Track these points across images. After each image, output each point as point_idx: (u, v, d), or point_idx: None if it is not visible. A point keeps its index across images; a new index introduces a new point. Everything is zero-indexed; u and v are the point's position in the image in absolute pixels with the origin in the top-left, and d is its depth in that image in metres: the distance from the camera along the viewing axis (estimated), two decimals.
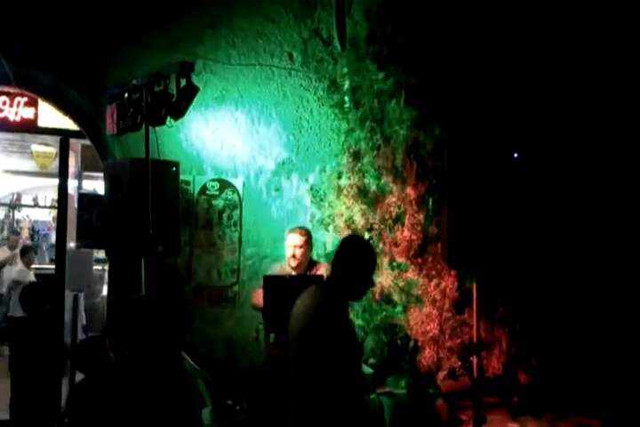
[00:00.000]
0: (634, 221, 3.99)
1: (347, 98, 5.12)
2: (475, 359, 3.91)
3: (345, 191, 4.76)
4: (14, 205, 10.48)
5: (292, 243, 4.44)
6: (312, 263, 4.55)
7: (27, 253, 7.78)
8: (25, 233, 9.95)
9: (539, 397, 5.29)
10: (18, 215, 10.59)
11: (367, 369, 5.33)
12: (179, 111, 3.82)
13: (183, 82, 3.78)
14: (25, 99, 5.61)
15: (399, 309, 4.98)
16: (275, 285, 3.94)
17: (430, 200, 4.61)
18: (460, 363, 4.35)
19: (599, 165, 3.87)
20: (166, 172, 4.31)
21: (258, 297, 4.24)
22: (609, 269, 4.06)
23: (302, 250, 4.44)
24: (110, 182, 4.42)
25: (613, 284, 4.11)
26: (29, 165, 8.45)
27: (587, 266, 4.01)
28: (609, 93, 3.95)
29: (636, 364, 4.81)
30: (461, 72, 4.33)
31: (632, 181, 3.95)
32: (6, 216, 10.48)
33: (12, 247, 8.47)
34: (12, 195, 10.51)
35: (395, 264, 4.81)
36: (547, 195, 3.81)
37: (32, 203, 10.61)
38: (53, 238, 8.79)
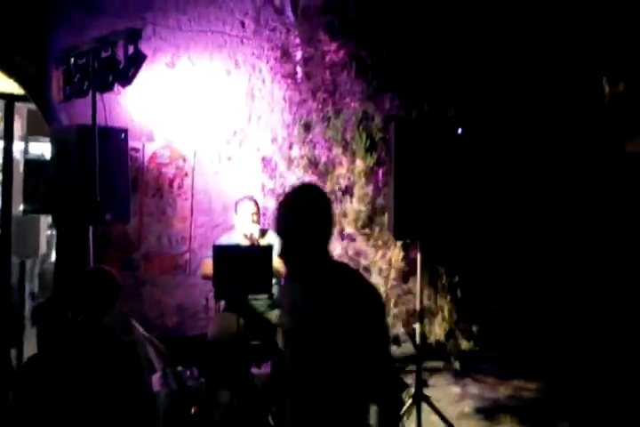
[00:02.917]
0: (568, 193, 4.20)
1: (299, 68, 5.13)
2: (418, 326, 4.05)
3: (296, 162, 4.81)
4: None
5: (248, 211, 4.46)
6: (262, 232, 4.61)
7: None
8: None
9: (479, 362, 5.54)
10: None
11: None
12: (126, 78, 3.77)
13: (131, 49, 3.73)
14: None
15: None
16: (225, 254, 3.98)
17: (380, 172, 4.70)
18: (403, 330, 4.52)
19: (536, 141, 4.02)
20: (114, 139, 4.27)
21: (207, 266, 4.28)
22: (544, 239, 4.26)
23: (257, 217, 4.50)
24: (57, 148, 4.36)
25: (548, 252, 4.33)
26: None
27: (523, 237, 4.19)
28: (548, 76, 4.09)
29: (572, 329, 5.08)
30: (412, 46, 4.39)
31: (568, 157, 4.13)
32: None
33: None
34: None
35: (345, 234, 4.91)
36: (487, 170, 3.95)
37: None
38: None
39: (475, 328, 4.65)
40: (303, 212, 2.04)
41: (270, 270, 3.92)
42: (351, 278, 2.06)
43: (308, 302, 2.05)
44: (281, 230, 2.11)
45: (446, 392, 5.16)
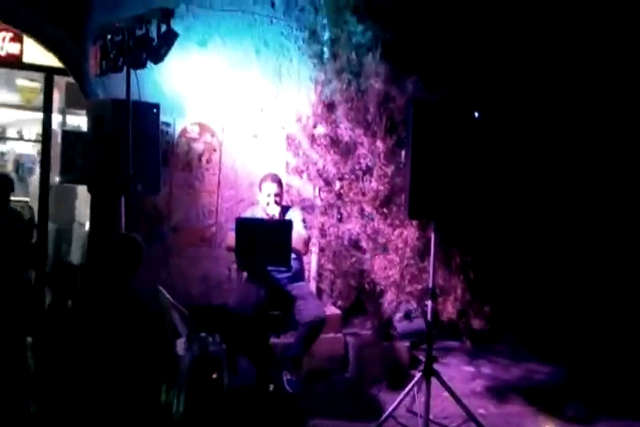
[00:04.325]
0: (584, 176, 4.23)
1: (326, 49, 5.22)
2: (430, 303, 4.17)
3: (318, 141, 4.93)
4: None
5: (270, 191, 4.57)
6: (285, 209, 4.75)
7: None
8: (9, 166, 10.01)
9: (494, 343, 5.66)
10: (2, 148, 10.60)
11: (334, 310, 5.66)
12: (158, 56, 3.94)
13: (163, 27, 3.88)
14: (10, 34, 5.60)
15: (368, 255, 5.22)
16: (246, 226, 4.14)
17: (402, 153, 4.79)
18: (415, 306, 4.64)
19: (554, 128, 4.07)
20: (147, 113, 4.43)
21: (230, 239, 4.46)
22: (559, 219, 4.31)
23: (279, 198, 4.63)
24: (93, 121, 4.55)
25: (562, 234, 4.38)
26: (15, 98, 8.42)
27: (536, 218, 4.25)
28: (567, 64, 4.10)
29: (587, 311, 5.15)
30: (436, 29, 4.44)
31: (586, 140, 4.17)
32: None
33: None
34: None
35: (364, 213, 5.03)
36: (504, 154, 4.01)
37: (17, 136, 10.59)
38: (38, 172, 8.84)
39: (487, 309, 4.76)
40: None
41: (289, 244, 4.06)
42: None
43: None
44: None
45: (459, 371, 5.32)
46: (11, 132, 10.54)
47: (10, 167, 10.16)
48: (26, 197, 8.33)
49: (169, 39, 3.91)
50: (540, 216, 4.51)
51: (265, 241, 4.05)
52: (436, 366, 4.28)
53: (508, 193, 4.12)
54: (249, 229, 4.14)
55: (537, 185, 4.22)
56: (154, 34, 3.97)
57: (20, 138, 10.51)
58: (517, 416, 4.57)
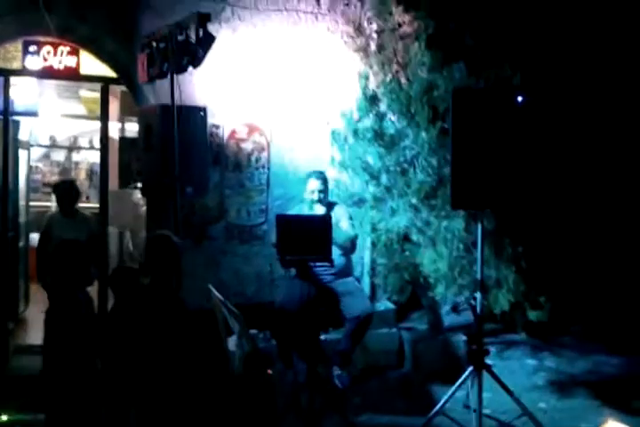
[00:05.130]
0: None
1: (371, 42, 5.19)
2: (479, 295, 4.06)
3: (363, 135, 4.90)
4: (72, 147, 10.98)
5: (314, 188, 4.59)
6: (331, 205, 4.75)
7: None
8: (82, 174, 10.50)
9: (560, 335, 5.45)
10: (76, 157, 11.13)
11: (389, 305, 5.61)
12: (196, 60, 4.03)
13: (201, 31, 3.97)
14: (67, 48, 5.86)
15: (421, 248, 5.14)
16: (286, 222, 4.15)
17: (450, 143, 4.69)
18: (464, 299, 4.53)
19: (597, 111, 3.89)
20: (194, 116, 4.55)
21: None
22: (612, 207, 4.12)
23: (324, 194, 4.64)
24: (143, 127, 4.72)
25: (618, 221, 4.18)
26: (81, 109, 8.81)
27: (590, 205, 4.08)
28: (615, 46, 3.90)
29: None
30: (481, 14, 4.33)
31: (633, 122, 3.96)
32: (66, 158, 11.04)
33: None
34: (70, 138, 11.00)
35: (412, 205, 4.95)
36: (549, 140, 3.86)
37: (88, 145, 11.08)
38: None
39: (542, 299, 4.60)
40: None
41: (328, 239, 4.02)
42: None
43: None
44: None
45: (521, 364, 5.16)
46: (82, 142, 11.06)
47: (83, 175, 10.66)
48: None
49: (206, 43, 3.99)
50: (601, 200, 4.29)
51: (305, 236, 4.01)
52: (494, 360, 4.16)
53: (559, 179, 3.96)
54: (288, 224, 4.13)
55: (590, 169, 4.04)
56: (193, 38, 4.06)
57: (91, 147, 11.01)
58: (581, 410, 4.40)
